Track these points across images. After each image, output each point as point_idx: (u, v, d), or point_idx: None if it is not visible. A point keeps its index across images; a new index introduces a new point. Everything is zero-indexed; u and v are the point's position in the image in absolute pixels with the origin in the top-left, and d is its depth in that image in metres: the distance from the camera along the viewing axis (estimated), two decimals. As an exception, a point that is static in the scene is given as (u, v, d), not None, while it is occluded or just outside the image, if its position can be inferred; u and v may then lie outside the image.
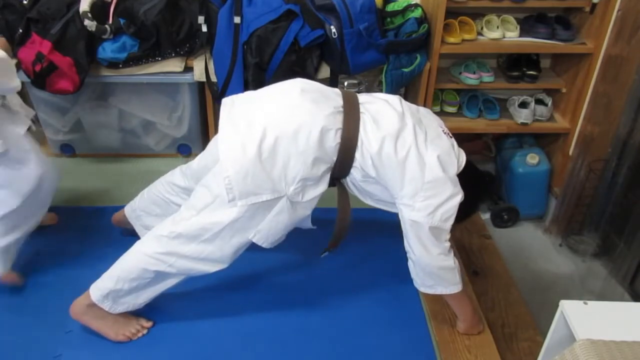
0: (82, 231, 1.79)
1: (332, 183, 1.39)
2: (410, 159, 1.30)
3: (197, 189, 1.40)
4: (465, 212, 1.40)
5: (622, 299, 2.05)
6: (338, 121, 1.31)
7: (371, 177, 1.35)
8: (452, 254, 1.38)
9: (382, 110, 1.35)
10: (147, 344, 1.42)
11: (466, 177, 1.37)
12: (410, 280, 1.65)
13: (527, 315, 1.68)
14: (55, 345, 1.39)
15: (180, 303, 1.53)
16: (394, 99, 1.40)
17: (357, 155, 1.33)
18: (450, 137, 1.41)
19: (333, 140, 1.30)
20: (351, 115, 1.33)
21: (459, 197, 1.32)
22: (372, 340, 1.45)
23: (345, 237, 1.45)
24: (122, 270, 1.39)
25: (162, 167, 2.13)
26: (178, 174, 1.61)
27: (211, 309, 1.52)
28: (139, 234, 1.68)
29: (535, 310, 1.75)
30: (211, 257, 1.36)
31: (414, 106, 1.44)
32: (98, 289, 1.39)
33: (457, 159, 1.37)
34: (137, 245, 1.41)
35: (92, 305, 1.39)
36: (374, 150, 1.31)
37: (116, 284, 1.38)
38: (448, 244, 1.37)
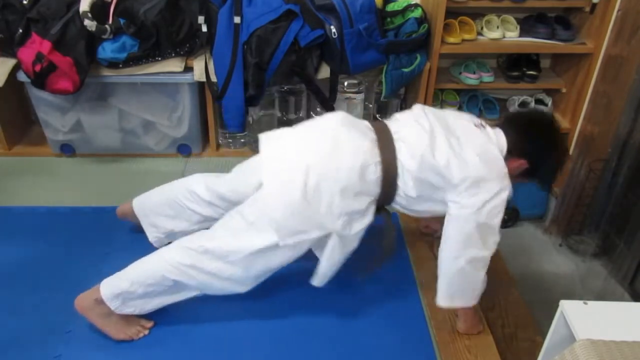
0: (82, 231, 1.79)
1: (377, 211, 1.42)
2: (452, 163, 1.32)
3: (233, 213, 1.42)
4: (549, 170, 1.44)
5: (622, 299, 2.05)
6: (376, 155, 1.35)
7: (414, 198, 1.38)
8: (486, 267, 1.37)
9: (412, 132, 1.38)
10: (147, 344, 1.42)
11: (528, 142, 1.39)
12: (411, 280, 1.65)
13: (527, 315, 1.68)
14: (55, 345, 1.39)
15: (181, 303, 1.53)
16: (420, 115, 1.42)
17: (399, 183, 1.37)
18: (483, 126, 1.41)
19: (374, 174, 1.34)
20: (387, 146, 1.37)
21: (507, 192, 1.32)
22: (372, 340, 1.45)
23: (390, 255, 1.52)
24: (140, 274, 1.38)
25: (162, 167, 2.14)
26: (202, 187, 1.58)
27: (211, 309, 1.52)
28: (146, 230, 1.67)
29: (535, 310, 1.75)
30: (234, 277, 1.38)
31: (439, 112, 1.45)
32: (110, 287, 1.37)
33: (497, 145, 1.37)
34: (162, 252, 1.41)
35: (100, 302, 1.37)
36: (413, 172, 1.34)
37: (131, 286, 1.37)
38: (489, 253, 1.36)
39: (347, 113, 1.48)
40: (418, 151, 1.34)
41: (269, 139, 1.43)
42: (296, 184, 1.30)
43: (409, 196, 1.38)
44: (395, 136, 1.39)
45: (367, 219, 1.38)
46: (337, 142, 1.35)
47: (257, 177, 1.40)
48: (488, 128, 1.42)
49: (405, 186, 1.37)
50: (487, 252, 1.35)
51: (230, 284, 1.40)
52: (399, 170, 1.36)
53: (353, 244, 1.40)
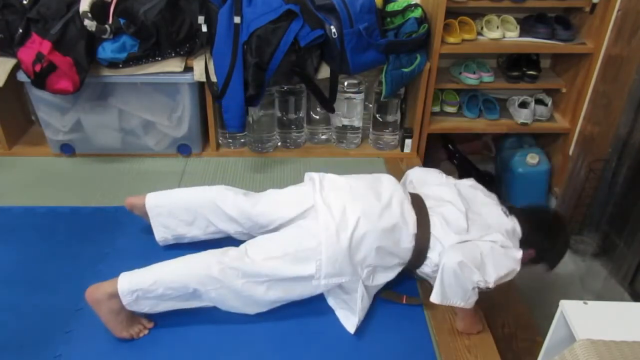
0: (82, 231, 1.79)
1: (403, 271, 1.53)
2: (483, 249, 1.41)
3: (272, 237, 1.49)
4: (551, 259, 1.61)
5: (622, 299, 2.04)
6: (412, 226, 1.46)
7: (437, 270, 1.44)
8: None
9: (449, 211, 1.49)
10: (147, 344, 1.42)
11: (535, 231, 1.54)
12: (411, 280, 1.65)
13: (527, 315, 1.68)
14: (55, 345, 1.39)
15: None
16: (454, 198, 1.52)
17: (430, 255, 1.47)
18: (507, 214, 1.54)
19: (409, 243, 1.46)
20: (423, 222, 1.48)
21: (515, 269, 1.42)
22: (372, 341, 1.45)
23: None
24: (163, 275, 1.39)
25: (162, 167, 2.14)
26: (229, 204, 1.59)
27: (211, 309, 1.52)
28: (154, 228, 1.67)
29: (535, 310, 1.75)
30: (252, 297, 1.42)
31: (470, 192, 1.58)
32: (129, 282, 1.37)
33: (514, 229, 1.50)
34: (191, 259, 1.43)
35: (112, 296, 1.37)
36: (449, 245, 1.43)
37: (152, 285, 1.37)
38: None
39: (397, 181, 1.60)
40: (453, 230, 1.45)
41: (314, 181, 1.54)
42: (346, 232, 1.41)
43: (435, 267, 1.45)
44: (430, 211, 1.50)
45: (391, 274, 1.51)
46: (389, 204, 1.47)
47: (298, 211, 1.51)
48: (511, 218, 1.54)
49: (434, 259, 1.46)
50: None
51: (246, 303, 1.44)
52: (431, 244, 1.46)
53: (372, 292, 1.51)
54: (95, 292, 1.38)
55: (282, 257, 1.41)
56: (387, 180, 1.57)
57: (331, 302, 1.52)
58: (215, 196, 1.61)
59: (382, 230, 1.43)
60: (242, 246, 1.47)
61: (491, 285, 1.37)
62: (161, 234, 1.67)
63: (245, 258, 1.42)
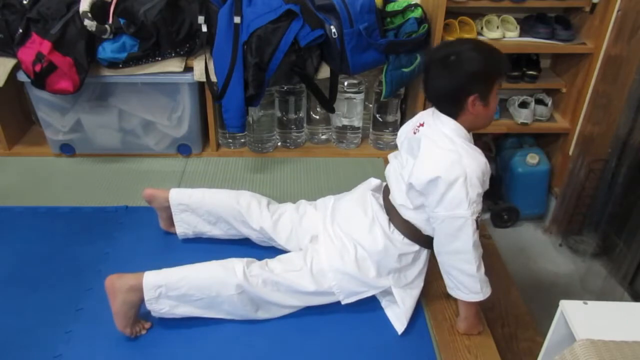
0: (82, 231, 1.79)
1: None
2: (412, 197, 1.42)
3: (290, 255, 1.54)
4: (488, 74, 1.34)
5: (622, 299, 2.05)
6: (391, 225, 1.49)
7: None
8: (476, 261, 1.35)
9: (395, 189, 1.49)
10: (147, 344, 1.41)
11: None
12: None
13: (527, 315, 1.68)
14: (55, 345, 1.39)
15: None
16: (392, 165, 1.53)
17: (422, 227, 1.45)
18: (422, 125, 1.41)
19: (399, 240, 1.47)
20: (391, 211, 1.49)
21: (460, 180, 1.28)
22: (372, 340, 1.45)
23: None
24: (190, 274, 1.41)
25: (162, 167, 2.14)
26: (255, 218, 1.63)
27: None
28: (176, 223, 1.70)
29: (535, 310, 1.75)
30: (271, 303, 1.46)
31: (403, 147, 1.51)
32: (155, 277, 1.39)
33: (444, 134, 1.34)
34: (222, 263, 1.45)
35: (133, 290, 1.37)
36: (415, 219, 1.45)
37: (178, 282, 1.39)
38: (470, 241, 1.31)
39: (374, 179, 1.63)
40: (397, 204, 1.47)
41: (325, 208, 1.61)
42: (349, 257, 1.46)
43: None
44: (390, 197, 1.51)
45: (420, 264, 1.51)
46: (373, 225, 1.49)
47: (312, 234, 1.58)
48: (426, 126, 1.39)
49: (425, 226, 1.45)
50: (465, 244, 1.32)
51: (261, 309, 1.47)
52: (412, 222, 1.46)
53: (418, 286, 1.52)
54: (117, 281, 1.38)
55: (299, 272, 1.47)
56: (368, 195, 1.57)
57: (382, 301, 1.54)
58: (242, 207, 1.64)
59: (377, 245, 1.46)
60: (263, 260, 1.51)
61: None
62: (182, 229, 1.70)
63: (265, 267, 1.47)
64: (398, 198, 1.47)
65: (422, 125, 1.42)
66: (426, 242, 1.48)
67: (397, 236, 1.48)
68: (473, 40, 1.59)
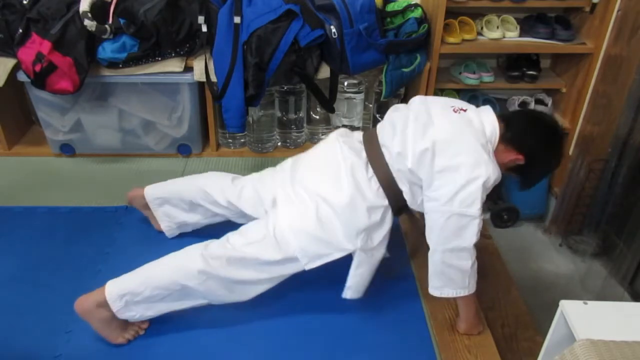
0: (82, 231, 1.79)
1: (399, 213, 1.45)
2: (423, 156, 1.33)
3: (252, 226, 1.46)
4: (539, 173, 1.45)
5: (622, 299, 2.05)
6: (369, 170, 1.41)
7: (416, 201, 1.41)
8: (472, 256, 1.34)
9: (388, 136, 1.42)
10: (147, 344, 1.42)
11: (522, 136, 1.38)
12: (411, 280, 1.65)
13: (527, 315, 1.68)
14: (55, 345, 1.39)
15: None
16: (398, 110, 1.46)
17: (401, 186, 1.40)
18: (464, 110, 1.40)
19: (371, 189, 1.39)
20: (375, 158, 1.42)
21: (483, 179, 1.28)
22: (372, 340, 1.45)
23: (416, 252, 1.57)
24: (149, 276, 1.38)
25: (162, 167, 2.14)
26: (218, 192, 1.60)
27: (210, 308, 1.52)
28: (159, 220, 1.72)
29: (535, 310, 1.75)
30: (241, 283, 1.40)
31: (428, 100, 1.46)
32: (116, 287, 1.37)
33: (480, 130, 1.35)
34: (175, 256, 1.41)
35: (102, 305, 1.36)
36: (404, 172, 1.37)
37: (138, 287, 1.36)
38: (472, 240, 1.31)
39: (345, 129, 1.55)
40: (395, 149, 1.37)
41: (282, 170, 1.54)
42: (310, 215, 1.37)
43: (412, 197, 1.40)
44: (381, 142, 1.43)
45: (386, 226, 1.43)
46: (339, 169, 1.41)
47: (273, 197, 1.48)
48: (470, 112, 1.40)
49: (407, 187, 1.39)
50: (467, 242, 1.32)
51: (236, 291, 1.41)
52: (395, 175, 1.39)
53: (379, 252, 1.44)
54: (84, 303, 1.37)
55: (262, 241, 1.39)
56: (335, 142, 1.48)
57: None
58: (206, 186, 1.63)
59: (342, 198, 1.37)
60: (224, 236, 1.45)
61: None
62: (166, 224, 1.72)
63: (226, 245, 1.40)
64: (399, 145, 1.37)
65: (464, 110, 1.40)
66: (396, 201, 1.41)
67: (373, 184, 1.39)
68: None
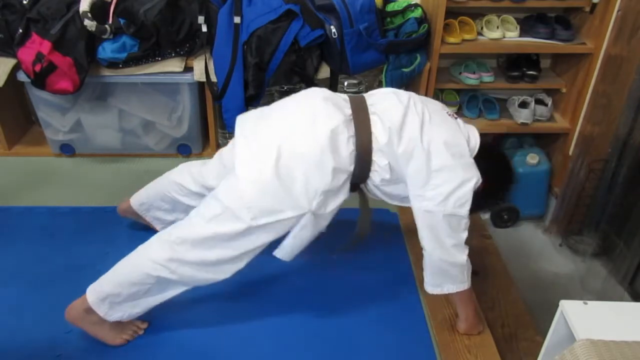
0: (82, 231, 1.79)
1: (352, 189, 1.40)
2: (416, 150, 1.31)
3: (207, 199, 1.38)
4: (490, 196, 1.43)
5: (622, 299, 2.04)
6: (350, 129, 1.32)
7: (387, 179, 1.36)
8: (466, 250, 1.36)
9: (388, 106, 1.35)
10: (147, 344, 1.42)
11: (481, 159, 1.37)
12: (411, 280, 1.65)
13: (527, 315, 1.68)
14: (55, 345, 1.39)
15: (177, 302, 1.53)
16: (400, 91, 1.41)
17: (374, 158, 1.34)
18: (456, 118, 1.41)
19: (347, 149, 1.31)
20: (361, 120, 1.33)
21: (473, 181, 1.31)
22: (372, 340, 1.45)
23: (366, 237, 1.52)
24: (122, 274, 1.36)
25: (162, 167, 2.13)
26: (188, 178, 1.59)
27: (209, 306, 1.52)
28: (152, 224, 1.72)
29: (535, 310, 1.75)
30: (212, 264, 1.34)
31: (417, 97, 1.43)
32: (95, 292, 1.36)
33: (468, 140, 1.37)
34: (140, 250, 1.38)
35: (89, 310, 1.36)
36: (385, 146, 1.32)
37: (114, 288, 1.34)
38: (464, 236, 1.34)
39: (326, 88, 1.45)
40: (389, 123, 1.32)
41: (245, 120, 1.41)
42: (268, 163, 1.27)
43: (382, 175, 1.36)
44: (371, 109, 1.36)
45: (342, 196, 1.35)
46: (314, 119, 1.32)
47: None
48: (459, 120, 1.42)
49: (380, 162, 1.34)
50: (461, 239, 1.34)
51: (211, 272, 1.36)
52: (374, 145, 1.33)
53: (325, 222, 1.37)
54: (72, 311, 1.38)
55: (222, 215, 1.31)
56: (314, 92, 1.42)
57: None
58: (177, 178, 1.62)
59: (311, 146, 1.29)
60: (187, 217, 1.39)
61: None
62: (160, 227, 1.71)
63: (188, 229, 1.35)
64: (398, 122, 1.32)
65: (455, 117, 1.42)
66: (360, 171, 1.35)
67: (350, 145, 1.31)
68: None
